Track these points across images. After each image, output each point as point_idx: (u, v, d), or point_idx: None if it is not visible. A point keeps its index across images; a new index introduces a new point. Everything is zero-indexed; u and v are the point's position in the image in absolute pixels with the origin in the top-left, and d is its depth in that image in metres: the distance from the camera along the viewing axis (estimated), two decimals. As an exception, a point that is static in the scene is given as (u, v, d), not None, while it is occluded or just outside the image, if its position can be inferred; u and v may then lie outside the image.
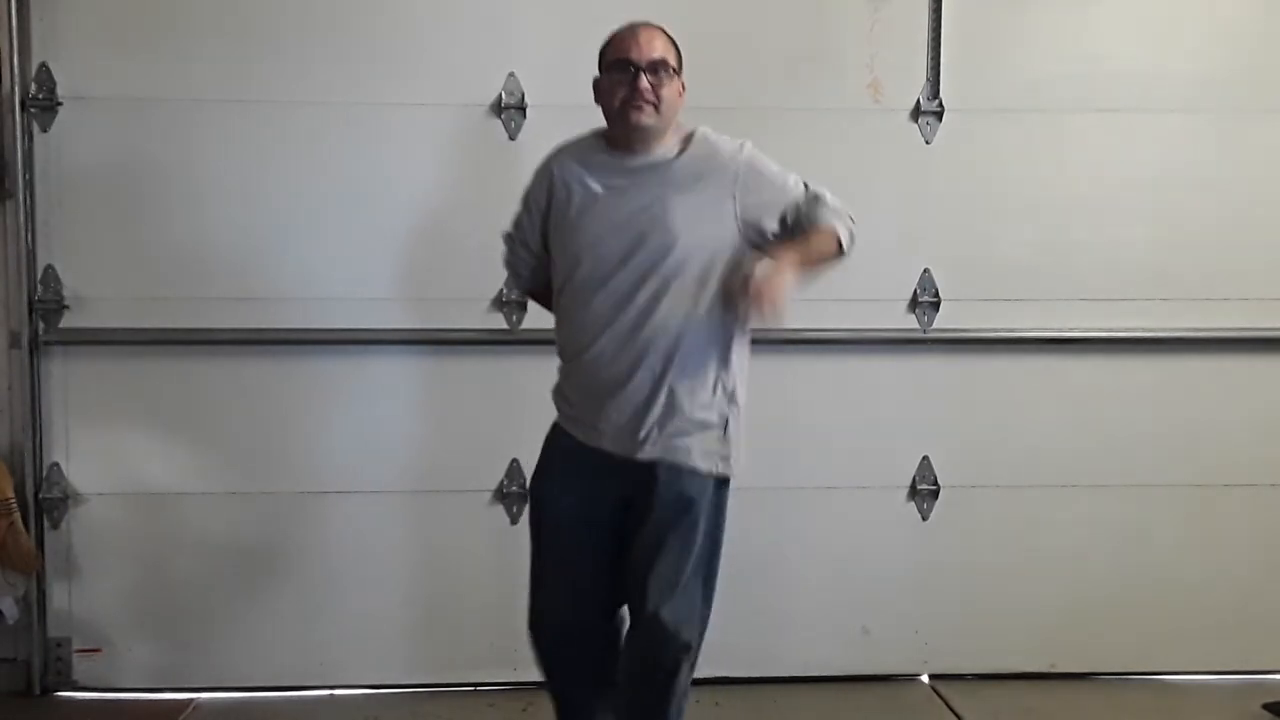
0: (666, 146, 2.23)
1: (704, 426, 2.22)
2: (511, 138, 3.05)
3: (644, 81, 2.16)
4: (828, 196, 2.29)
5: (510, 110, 3.04)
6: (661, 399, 2.19)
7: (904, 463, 3.22)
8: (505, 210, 3.06)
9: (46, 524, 3.08)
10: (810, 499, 3.20)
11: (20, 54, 2.94)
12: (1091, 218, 3.17)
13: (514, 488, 3.14)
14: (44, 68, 2.97)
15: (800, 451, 3.18)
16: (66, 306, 3.02)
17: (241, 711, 3.07)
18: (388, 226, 3.06)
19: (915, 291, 3.15)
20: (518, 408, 3.13)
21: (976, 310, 3.17)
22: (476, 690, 3.17)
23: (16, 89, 2.94)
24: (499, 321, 3.09)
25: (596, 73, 2.26)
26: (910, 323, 3.16)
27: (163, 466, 3.08)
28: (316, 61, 3.01)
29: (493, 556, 3.16)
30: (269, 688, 3.13)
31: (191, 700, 3.10)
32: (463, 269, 3.06)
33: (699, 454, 2.22)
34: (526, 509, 2.46)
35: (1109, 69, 3.14)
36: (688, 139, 2.25)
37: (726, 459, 2.27)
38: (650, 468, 2.21)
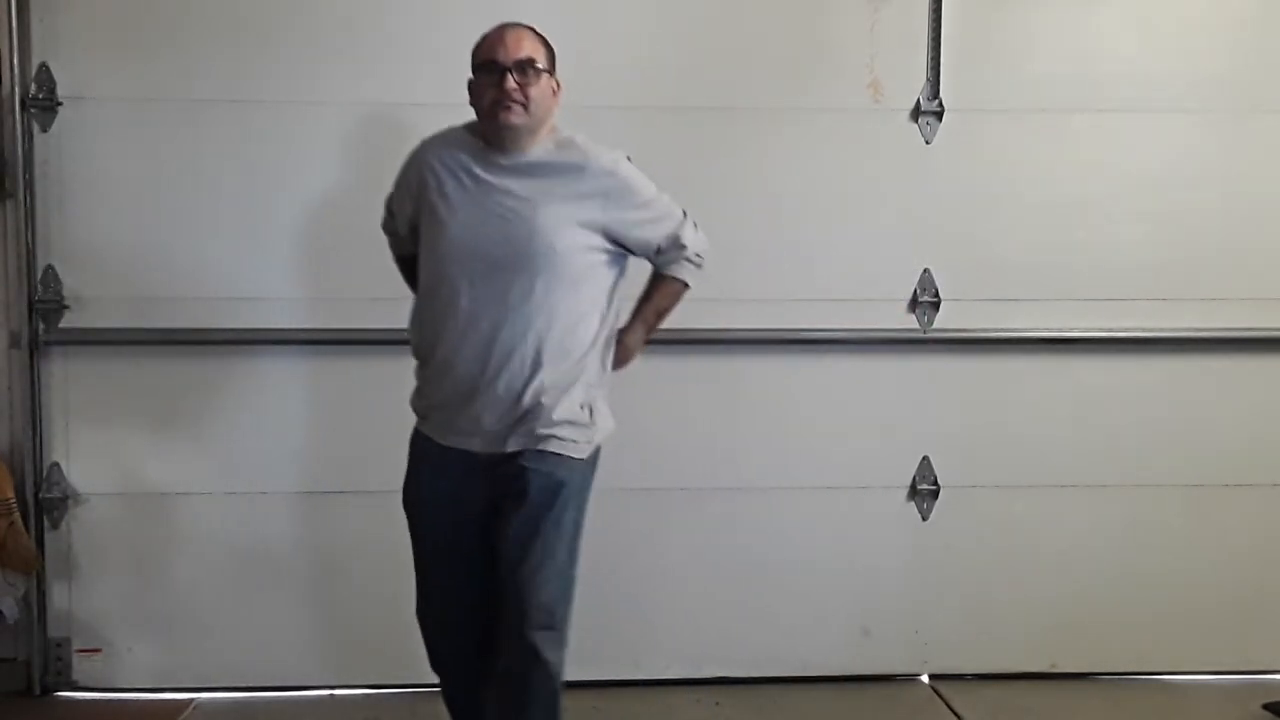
0: (540, 147, 2.25)
1: (571, 419, 2.26)
2: (511, 138, 3.05)
3: (510, 82, 2.17)
4: (688, 235, 2.37)
5: (510, 110, 3.03)
6: (529, 396, 2.21)
7: (904, 463, 3.22)
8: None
9: (46, 524, 3.08)
10: (810, 499, 3.20)
11: (20, 54, 2.94)
12: (1091, 218, 3.17)
13: (514, 488, 3.14)
14: (44, 68, 2.97)
15: (800, 451, 3.18)
16: (66, 306, 3.02)
17: (241, 711, 3.07)
18: (388, 226, 3.06)
19: (915, 291, 3.16)
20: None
21: (976, 310, 3.17)
22: (476, 690, 3.17)
23: (16, 89, 2.94)
24: (499, 321, 3.09)
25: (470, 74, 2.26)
26: (910, 323, 3.16)
27: (163, 466, 3.08)
28: (317, 61, 3.01)
29: (493, 556, 3.16)
30: (269, 688, 3.13)
31: (191, 700, 3.10)
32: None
33: (566, 442, 2.26)
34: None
35: (1109, 69, 3.14)
36: (562, 143, 2.27)
37: (591, 441, 2.31)
38: (517, 457, 2.24)
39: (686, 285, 2.40)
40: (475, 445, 2.26)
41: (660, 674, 3.19)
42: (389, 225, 2.49)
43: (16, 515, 2.97)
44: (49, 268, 3.02)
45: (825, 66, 3.10)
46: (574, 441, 2.27)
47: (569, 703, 3.11)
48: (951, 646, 3.26)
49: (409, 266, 2.47)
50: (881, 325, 3.15)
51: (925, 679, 3.27)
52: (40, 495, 3.05)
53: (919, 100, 3.12)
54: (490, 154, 2.24)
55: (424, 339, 2.31)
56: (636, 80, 3.05)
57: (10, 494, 2.97)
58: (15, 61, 2.93)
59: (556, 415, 2.24)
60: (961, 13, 3.09)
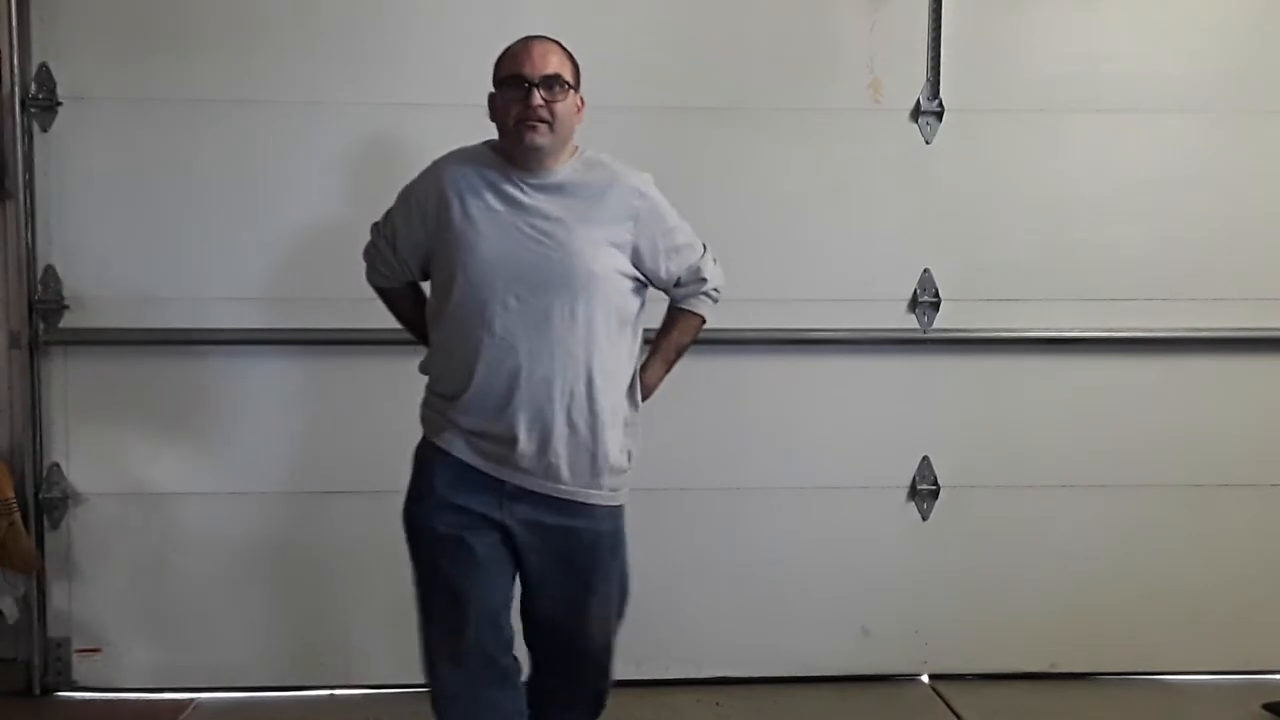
0: (566, 166, 2.16)
1: (616, 467, 2.19)
2: (512, 138, 3.05)
3: (537, 98, 2.07)
4: (709, 268, 2.32)
5: (510, 110, 3.03)
6: (576, 430, 2.13)
7: (904, 463, 3.22)
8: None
9: (46, 524, 3.07)
10: (810, 499, 3.20)
11: (20, 54, 2.94)
12: (1091, 218, 3.17)
13: (514, 488, 3.14)
14: (44, 68, 2.97)
15: (800, 451, 3.18)
16: (66, 306, 3.02)
17: (241, 711, 3.07)
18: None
19: (915, 291, 3.16)
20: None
21: (976, 310, 3.18)
22: (476, 690, 3.17)
23: (16, 89, 2.94)
24: (499, 321, 3.09)
25: (492, 88, 2.18)
26: (910, 323, 3.17)
27: (163, 466, 3.08)
28: (317, 61, 3.01)
29: (493, 556, 3.16)
30: (269, 688, 3.13)
31: (191, 700, 3.10)
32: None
33: (606, 492, 2.20)
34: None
35: (1109, 69, 3.14)
36: (590, 162, 2.19)
37: (625, 486, 2.25)
38: (559, 507, 2.15)
39: (704, 320, 2.36)
40: (505, 475, 2.14)
41: (660, 674, 3.19)
42: (375, 250, 2.34)
43: (16, 515, 2.97)
44: (49, 268, 3.02)
45: (825, 66, 3.11)
46: (614, 490, 2.20)
47: (569, 703, 3.11)
48: (951, 646, 3.26)
49: (393, 299, 2.40)
50: (881, 325, 3.15)
51: (925, 679, 3.27)
52: (40, 495, 3.05)
53: (919, 100, 3.12)
54: (515, 172, 2.13)
55: (452, 368, 2.16)
56: (636, 80, 3.05)
57: (10, 494, 2.97)
58: (15, 61, 2.93)
59: (603, 463, 2.15)
60: (961, 13, 3.09)
